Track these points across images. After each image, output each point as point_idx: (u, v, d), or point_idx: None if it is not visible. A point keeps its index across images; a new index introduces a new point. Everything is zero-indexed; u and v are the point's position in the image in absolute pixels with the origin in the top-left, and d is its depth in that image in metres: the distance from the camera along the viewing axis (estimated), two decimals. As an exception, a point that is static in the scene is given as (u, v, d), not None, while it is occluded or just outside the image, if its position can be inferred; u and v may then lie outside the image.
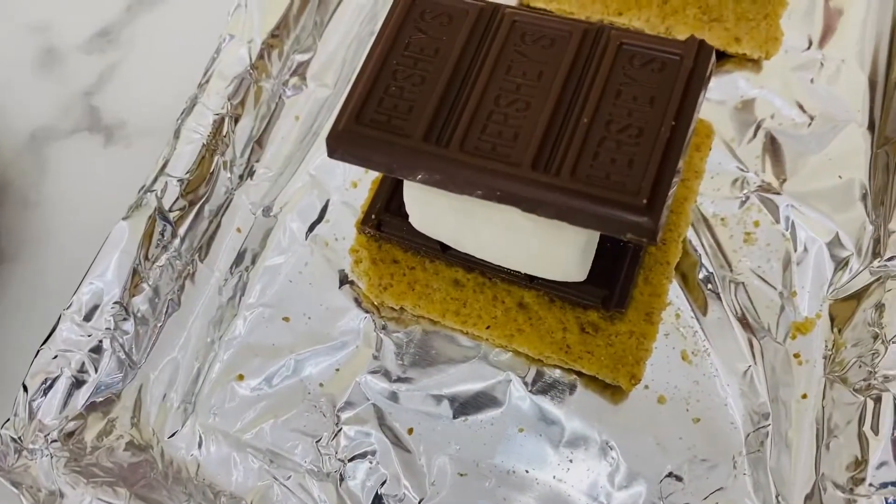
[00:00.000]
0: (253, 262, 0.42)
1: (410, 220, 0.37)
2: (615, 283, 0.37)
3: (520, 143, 0.31)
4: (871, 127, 0.43)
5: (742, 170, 0.42)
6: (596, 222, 0.30)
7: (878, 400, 0.35)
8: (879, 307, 0.37)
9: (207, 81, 0.43)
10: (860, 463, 0.34)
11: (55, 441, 0.36)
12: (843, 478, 0.35)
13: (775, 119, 0.44)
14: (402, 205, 0.37)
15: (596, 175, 0.30)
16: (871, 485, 0.34)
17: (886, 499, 0.33)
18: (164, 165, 0.40)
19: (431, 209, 0.35)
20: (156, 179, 0.40)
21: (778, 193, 0.42)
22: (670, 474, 0.36)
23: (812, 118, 0.44)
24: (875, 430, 0.35)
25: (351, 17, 0.48)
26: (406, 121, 0.32)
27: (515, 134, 0.31)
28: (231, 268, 0.42)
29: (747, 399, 0.38)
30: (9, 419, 0.36)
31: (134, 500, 0.34)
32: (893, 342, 0.36)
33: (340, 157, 0.33)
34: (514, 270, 0.37)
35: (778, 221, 0.41)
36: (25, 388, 0.36)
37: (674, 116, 0.30)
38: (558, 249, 0.34)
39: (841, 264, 0.40)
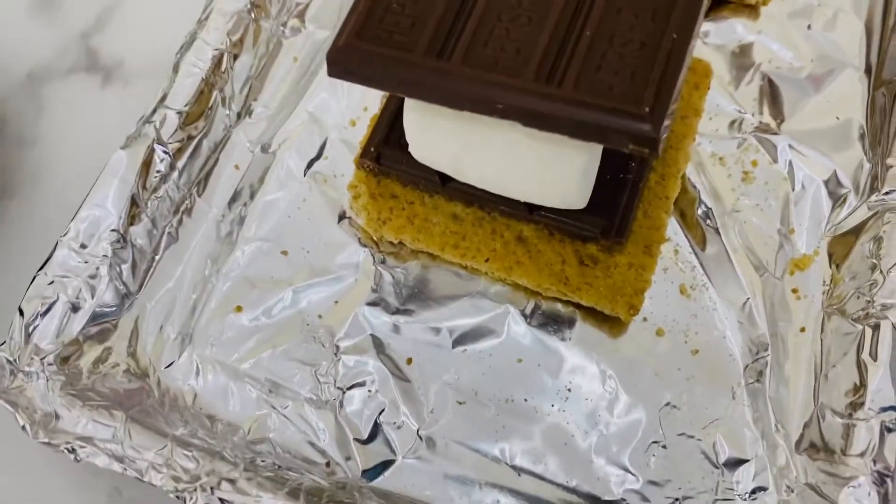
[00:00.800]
0: (251, 197, 0.42)
1: (410, 148, 0.37)
2: (614, 214, 0.37)
3: (522, 57, 0.31)
4: (868, 70, 0.43)
5: (740, 111, 0.43)
6: (598, 133, 0.30)
7: (876, 328, 0.35)
8: (877, 240, 0.37)
9: (207, 18, 0.42)
10: (858, 389, 0.35)
11: (51, 364, 0.36)
12: (842, 404, 0.35)
13: (773, 63, 0.44)
14: (401, 137, 0.37)
15: (599, 86, 0.30)
16: (870, 409, 0.34)
17: (884, 422, 0.34)
18: (164, 98, 0.40)
19: (432, 135, 0.35)
20: (154, 111, 0.40)
21: (776, 134, 0.42)
22: (668, 404, 0.36)
23: (810, 61, 0.44)
24: (874, 356, 0.35)
25: None
26: (408, 36, 0.32)
27: (518, 48, 0.31)
28: (229, 203, 0.41)
29: (745, 332, 0.38)
30: (4, 342, 0.35)
31: (130, 424, 0.34)
32: (891, 271, 0.36)
33: (340, 75, 0.32)
34: (513, 202, 0.37)
35: (776, 161, 0.41)
36: (21, 312, 0.36)
37: (675, 30, 0.30)
38: (559, 172, 0.33)
39: (839, 201, 0.40)
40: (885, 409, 0.34)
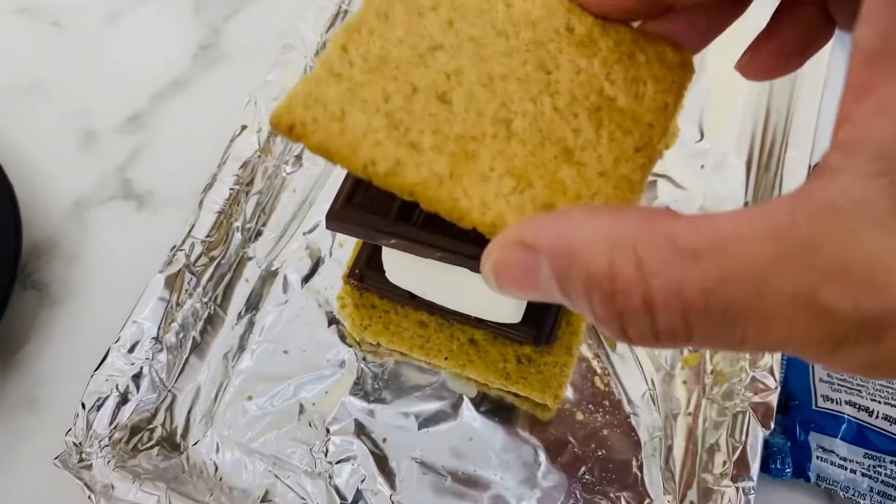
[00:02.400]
0: (258, 306, 0.51)
1: (387, 274, 0.48)
2: (543, 324, 0.48)
3: (466, 225, 0.42)
4: (746, 203, 0.55)
5: (646, 236, 0.54)
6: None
7: (743, 415, 0.46)
8: (744, 344, 0.49)
9: (225, 163, 0.52)
10: (725, 463, 0.45)
11: (106, 446, 0.45)
12: (714, 474, 0.45)
13: (672, 197, 0.55)
14: (380, 262, 0.48)
15: None
16: (732, 478, 0.44)
17: (742, 488, 0.44)
18: (191, 229, 0.50)
19: (403, 267, 0.46)
20: (184, 241, 0.49)
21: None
22: (584, 472, 0.47)
23: (703, 195, 0.55)
24: (737, 439, 0.45)
25: None
26: (384, 204, 0.42)
27: (464, 216, 0.42)
28: (241, 312, 0.51)
29: (645, 415, 0.48)
30: (70, 429, 0.45)
31: (170, 492, 0.44)
32: (756, 371, 0.47)
33: (335, 229, 0.43)
34: (466, 314, 0.48)
35: (672, 277, 0.53)
36: (84, 406, 0.45)
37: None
38: (499, 298, 0.44)
39: (719, 311, 0.51)
40: (743, 479, 0.44)
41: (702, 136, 0.57)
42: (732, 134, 0.57)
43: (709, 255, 0.20)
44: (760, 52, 0.31)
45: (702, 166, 0.56)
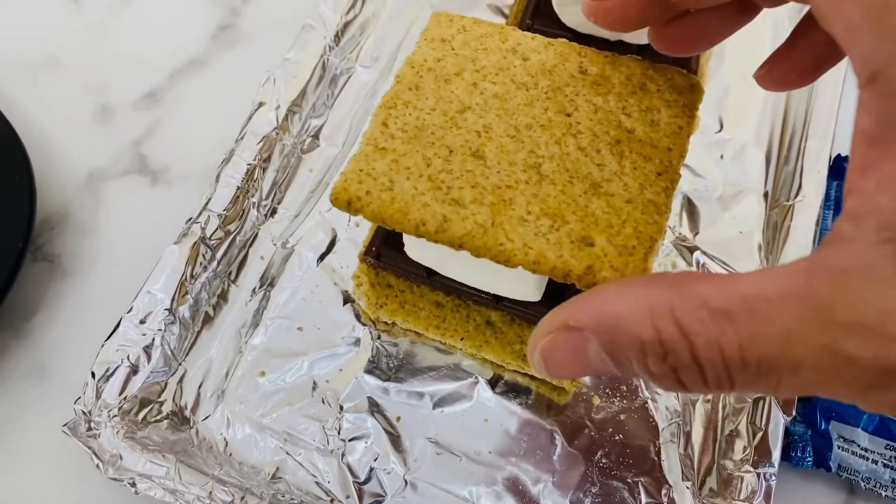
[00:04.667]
0: (273, 283, 0.51)
1: (406, 248, 0.47)
2: (562, 305, 0.47)
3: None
4: (766, 195, 0.55)
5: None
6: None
7: (762, 400, 0.45)
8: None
9: (243, 138, 0.52)
10: (745, 448, 0.44)
11: (115, 416, 0.44)
12: (734, 459, 0.45)
13: (692, 185, 0.55)
14: (396, 241, 0.47)
15: None
16: (753, 464, 0.44)
17: (762, 474, 0.44)
18: (207, 203, 0.49)
19: (423, 242, 0.45)
20: (200, 213, 0.49)
21: (692, 243, 0.53)
22: (601, 456, 0.46)
23: (721, 185, 0.55)
24: (759, 425, 0.45)
25: (356, 92, 0.58)
26: None
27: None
28: (255, 288, 0.50)
29: (662, 401, 0.47)
30: (79, 397, 0.44)
31: (178, 464, 0.43)
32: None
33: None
34: (484, 293, 0.47)
35: (691, 265, 0.52)
36: (93, 374, 0.45)
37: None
38: (521, 276, 0.44)
39: (739, 299, 0.51)
40: (763, 465, 0.44)
41: (721, 126, 0.57)
42: (752, 125, 0.57)
43: (740, 315, 0.23)
44: (776, 67, 0.34)
45: (721, 156, 0.56)
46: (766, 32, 0.61)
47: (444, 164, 0.41)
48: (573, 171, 0.40)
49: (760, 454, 0.44)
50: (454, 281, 0.47)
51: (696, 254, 0.52)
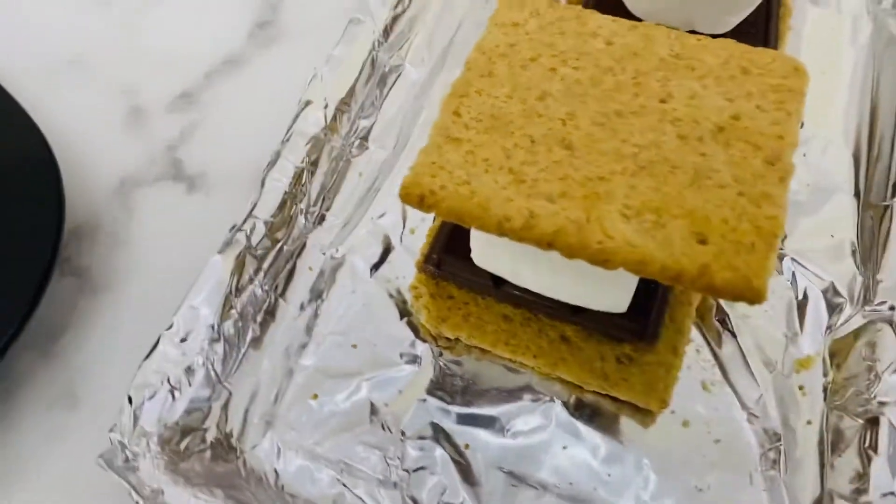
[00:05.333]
0: (323, 297, 0.47)
1: (473, 255, 0.43)
2: (647, 319, 0.43)
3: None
4: (857, 195, 0.50)
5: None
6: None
7: (874, 422, 0.41)
8: (871, 345, 0.43)
9: (289, 139, 0.48)
10: (862, 476, 0.40)
11: (155, 446, 0.40)
12: (847, 490, 0.40)
13: (775, 185, 0.51)
14: (459, 246, 0.43)
15: None
16: (872, 494, 0.39)
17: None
18: (253, 208, 0.46)
19: (495, 248, 0.41)
20: (245, 220, 0.45)
21: (781, 249, 0.48)
22: (695, 487, 0.41)
23: (806, 186, 0.51)
24: (874, 448, 0.40)
25: (406, 92, 0.54)
26: None
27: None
28: (304, 302, 0.47)
29: (760, 423, 0.43)
30: (114, 425, 0.40)
31: (226, 500, 0.39)
32: (885, 373, 0.42)
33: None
34: (558, 304, 0.43)
35: (782, 273, 0.47)
36: (130, 400, 0.40)
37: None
38: (609, 282, 0.39)
39: (836, 309, 0.46)
40: (885, 495, 0.39)
41: (802, 123, 0.53)
42: (836, 121, 0.53)
43: None
44: None
45: (804, 154, 0.52)
46: (845, 25, 0.57)
47: (526, 155, 0.37)
48: (674, 162, 0.36)
49: (877, 480, 0.39)
50: (527, 291, 0.43)
51: (786, 261, 0.48)
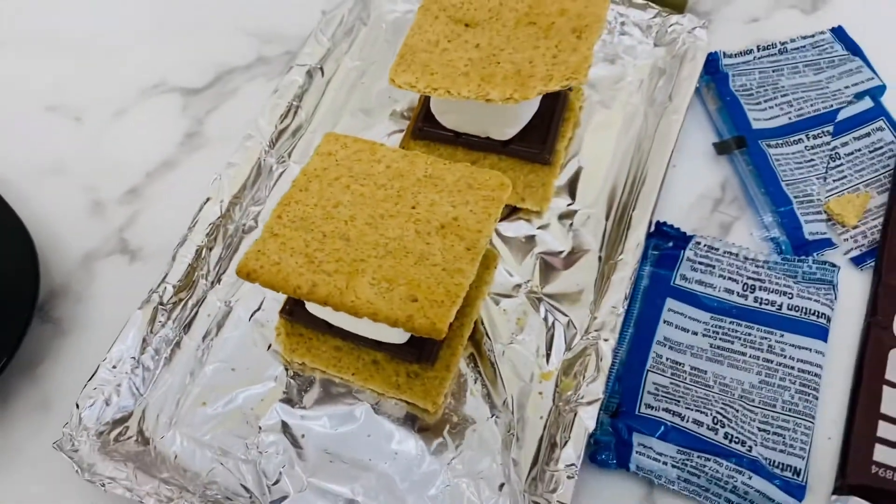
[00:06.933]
0: (216, 334, 0.66)
1: (307, 307, 0.62)
2: (427, 346, 0.62)
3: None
4: (600, 255, 0.69)
5: (518, 282, 0.68)
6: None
7: (576, 415, 0.59)
8: (584, 363, 0.62)
9: (194, 225, 0.68)
10: (559, 452, 0.58)
11: (92, 436, 0.60)
12: (550, 461, 0.58)
13: (546, 248, 0.70)
14: (303, 306, 0.63)
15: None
16: (560, 464, 0.58)
17: (566, 474, 0.57)
18: (164, 277, 0.65)
19: (321, 309, 0.61)
20: (159, 285, 0.65)
21: (540, 294, 0.68)
22: (454, 461, 0.60)
23: (570, 248, 0.70)
24: (569, 434, 0.59)
25: (289, 183, 0.75)
26: None
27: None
28: (202, 338, 0.66)
29: (505, 416, 0.62)
30: (67, 422, 0.60)
31: (136, 471, 0.58)
32: (584, 383, 0.61)
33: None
34: (368, 339, 0.62)
35: (538, 312, 0.67)
36: (78, 406, 0.61)
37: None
38: (390, 330, 0.58)
39: (572, 338, 0.65)
40: (568, 466, 0.57)
41: (573, 199, 0.72)
42: (601, 201, 0.72)
43: None
44: None
45: (570, 224, 0.71)
46: (616, 122, 0.76)
47: (318, 244, 0.56)
48: (409, 249, 0.56)
49: (568, 456, 0.58)
50: (345, 330, 0.62)
51: (543, 303, 0.67)
